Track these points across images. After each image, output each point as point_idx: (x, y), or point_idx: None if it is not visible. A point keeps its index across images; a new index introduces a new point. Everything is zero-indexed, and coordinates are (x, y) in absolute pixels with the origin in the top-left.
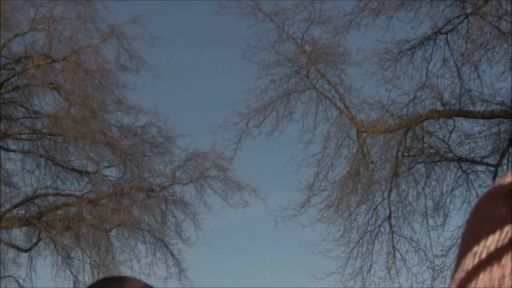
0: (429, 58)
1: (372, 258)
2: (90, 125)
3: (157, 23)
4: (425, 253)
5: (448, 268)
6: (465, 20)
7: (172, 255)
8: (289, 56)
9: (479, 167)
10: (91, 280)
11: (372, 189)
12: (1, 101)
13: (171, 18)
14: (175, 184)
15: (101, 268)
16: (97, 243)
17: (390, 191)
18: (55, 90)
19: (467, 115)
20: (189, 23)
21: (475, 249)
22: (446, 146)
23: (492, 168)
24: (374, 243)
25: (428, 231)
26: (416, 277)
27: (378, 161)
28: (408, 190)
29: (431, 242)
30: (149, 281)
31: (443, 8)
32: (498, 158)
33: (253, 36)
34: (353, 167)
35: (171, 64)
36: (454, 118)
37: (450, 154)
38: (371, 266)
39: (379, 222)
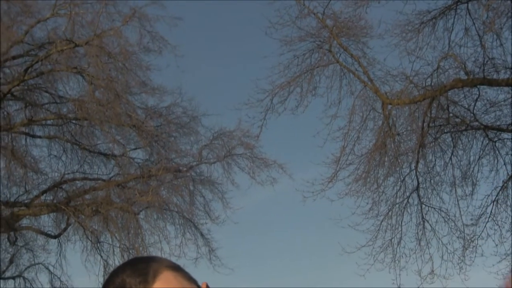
0: (451, 28)
1: (401, 230)
2: (115, 108)
3: (178, 3)
4: (454, 223)
5: (479, 237)
6: None
7: (202, 235)
8: (311, 31)
9: (505, 135)
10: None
11: (399, 160)
12: (26, 87)
13: None
14: (202, 163)
15: (131, 251)
16: (126, 226)
17: (417, 162)
18: (79, 74)
19: (491, 83)
20: (209, 3)
21: None
22: (472, 115)
23: None
24: (403, 215)
25: (457, 200)
26: (446, 248)
27: (404, 133)
28: (435, 160)
29: (460, 212)
30: (179, 262)
31: None
32: None
33: (274, 12)
34: (379, 139)
35: (193, 44)
36: (478, 86)
37: (476, 123)
38: (401, 238)
39: (408, 193)
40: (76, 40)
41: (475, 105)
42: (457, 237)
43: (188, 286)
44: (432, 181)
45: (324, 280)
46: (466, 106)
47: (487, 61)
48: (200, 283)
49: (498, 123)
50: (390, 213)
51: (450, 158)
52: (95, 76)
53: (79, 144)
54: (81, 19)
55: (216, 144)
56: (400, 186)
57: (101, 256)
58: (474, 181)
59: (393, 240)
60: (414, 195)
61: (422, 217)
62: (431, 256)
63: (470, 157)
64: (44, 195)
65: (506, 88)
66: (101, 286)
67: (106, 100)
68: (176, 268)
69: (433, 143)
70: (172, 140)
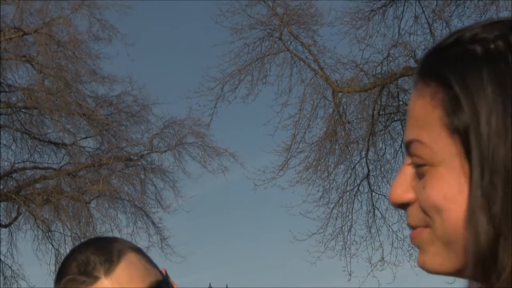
0: (401, 16)
1: (352, 217)
2: (65, 96)
3: None
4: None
5: None
6: None
7: (153, 223)
8: (261, 19)
9: None
10: None
11: (349, 148)
12: None
13: None
14: (153, 152)
15: (82, 240)
16: (77, 215)
17: (368, 150)
18: (28, 63)
19: None
20: None
21: None
22: None
23: None
24: (353, 203)
25: None
26: (396, 235)
27: (355, 121)
28: (385, 148)
29: None
30: None
31: None
32: None
33: (225, 0)
34: (330, 127)
35: (143, 32)
36: None
37: None
38: (351, 226)
39: (358, 181)
40: (24, 28)
41: None
42: (407, 224)
43: (151, 270)
44: (382, 168)
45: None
46: None
47: None
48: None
49: None
50: (340, 201)
51: (400, 146)
52: (45, 64)
53: (29, 133)
54: (30, 7)
55: (167, 132)
56: (351, 174)
57: (52, 245)
58: None
59: (343, 227)
60: (365, 182)
61: (373, 205)
62: (381, 244)
63: None
64: None
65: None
66: (53, 275)
67: (56, 89)
68: (139, 251)
69: (383, 131)
70: (122, 128)
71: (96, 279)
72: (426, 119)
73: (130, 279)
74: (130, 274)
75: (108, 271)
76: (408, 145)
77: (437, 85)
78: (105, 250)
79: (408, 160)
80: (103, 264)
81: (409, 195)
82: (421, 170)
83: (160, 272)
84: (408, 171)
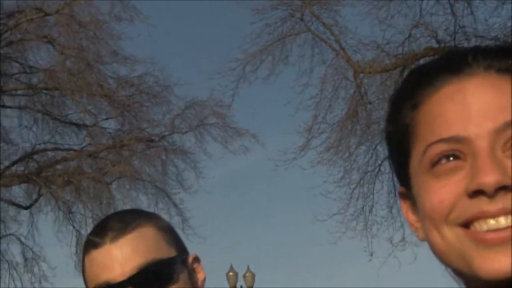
0: None
1: (373, 198)
2: (86, 77)
3: None
4: None
5: None
6: None
7: (175, 204)
8: None
9: None
10: None
11: (371, 129)
12: None
13: None
14: (175, 133)
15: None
16: (98, 197)
17: None
18: (49, 44)
19: None
20: None
21: None
22: None
23: None
24: (375, 183)
25: None
26: None
27: (376, 101)
28: None
29: None
30: None
31: None
32: None
33: None
34: (351, 108)
35: (165, 13)
36: None
37: None
38: (372, 206)
39: (379, 162)
40: (46, 9)
41: None
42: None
43: (164, 248)
44: None
45: (297, 247)
46: None
47: (458, 30)
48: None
49: None
50: (362, 181)
51: None
52: (66, 45)
53: (50, 114)
54: None
55: (188, 113)
56: (372, 155)
57: (73, 227)
58: None
59: (364, 208)
60: (386, 163)
61: (394, 185)
62: (402, 224)
63: None
64: (15, 165)
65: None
66: (74, 256)
67: (77, 69)
68: (164, 229)
69: None
70: (144, 109)
71: (102, 243)
72: None
73: (133, 250)
74: (135, 245)
75: (114, 238)
76: (511, 124)
77: None
78: (127, 220)
79: (498, 143)
80: (114, 231)
81: (509, 180)
82: None
83: (183, 254)
84: (498, 155)
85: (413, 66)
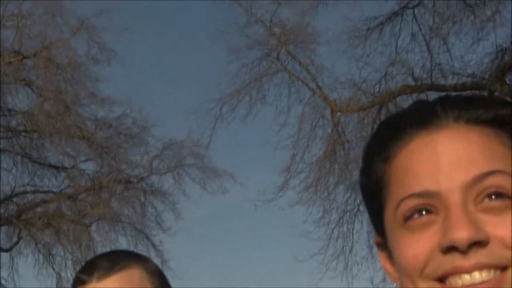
0: (398, 34)
1: (353, 237)
2: (65, 120)
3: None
4: None
5: None
6: None
7: (154, 246)
8: (259, 39)
9: None
10: (73, 276)
11: (349, 168)
12: None
13: (138, 7)
14: (153, 174)
15: (83, 264)
16: (78, 239)
17: None
18: (27, 86)
19: (439, 88)
20: (155, 10)
21: None
22: None
23: None
24: (354, 223)
25: None
26: None
27: (354, 140)
28: None
29: None
30: None
31: None
32: None
33: (222, 21)
34: (329, 147)
35: (141, 53)
36: (426, 92)
37: None
38: (352, 246)
39: (358, 201)
40: (24, 52)
41: None
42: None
43: None
44: None
45: None
46: None
47: (434, 67)
48: None
49: None
50: (341, 221)
51: None
52: (44, 88)
53: (29, 156)
54: (29, 31)
55: (166, 154)
56: (351, 194)
57: (54, 269)
58: None
59: (344, 248)
60: None
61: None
62: None
63: None
64: None
65: (453, 94)
66: None
67: (55, 112)
68: (151, 272)
69: None
70: (122, 151)
71: (89, 281)
72: (500, 155)
73: None
74: (120, 286)
75: (101, 277)
76: (482, 177)
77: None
78: (115, 260)
79: (470, 196)
80: (101, 270)
81: (482, 234)
82: (501, 204)
83: None
84: (470, 209)
85: (389, 105)
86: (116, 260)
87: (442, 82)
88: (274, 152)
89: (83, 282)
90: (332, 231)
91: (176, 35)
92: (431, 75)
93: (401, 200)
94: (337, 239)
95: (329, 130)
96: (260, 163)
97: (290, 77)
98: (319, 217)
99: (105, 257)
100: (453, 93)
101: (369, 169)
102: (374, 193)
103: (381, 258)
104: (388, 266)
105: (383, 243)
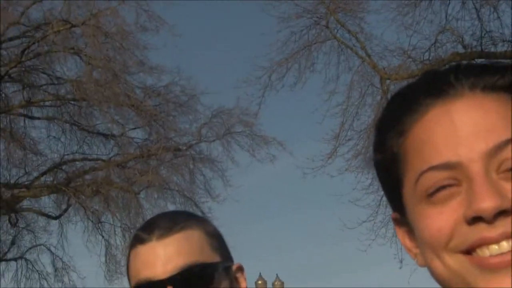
0: (448, 1)
1: None
2: (113, 88)
3: None
4: None
5: None
6: None
7: (203, 213)
8: (308, 7)
9: None
10: (122, 243)
11: None
12: (23, 69)
13: None
14: (202, 142)
15: (132, 231)
16: (127, 206)
17: None
18: (76, 55)
19: (489, 56)
20: None
21: None
22: None
23: None
24: None
25: None
26: None
27: None
28: None
29: None
30: None
31: None
32: None
33: None
34: (378, 114)
35: (190, 22)
36: (476, 60)
37: None
38: None
39: None
40: (72, 21)
41: None
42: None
43: (207, 253)
44: None
45: (326, 255)
46: None
47: (484, 34)
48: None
49: None
50: None
51: None
52: (93, 56)
53: (78, 124)
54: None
55: (215, 122)
56: None
57: (103, 236)
58: None
59: None
60: None
61: None
62: None
63: None
64: (44, 176)
65: (504, 61)
66: (103, 266)
67: (104, 80)
68: (210, 234)
69: None
70: (171, 119)
71: (148, 239)
72: None
73: (177, 250)
74: (179, 246)
75: (160, 236)
76: (503, 145)
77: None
78: (175, 220)
79: (491, 165)
80: (161, 229)
81: (507, 203)
82: None
83: (226, 262)
84: (493, 178)
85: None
86: (176, 220)
87: (492, 49)
88: (323, 120)
89: (142, 240)
90: (381, 198)
91: (225, 3)
92: (481, 42)
93: (421, 174)
94: (386, 206)
95: (378, 98)
96: (309, 131)
97: (339, 45)
98: (368, 184)
99: (166, 217)
100: (465, 62)
101: (384, 144)
102: (390, 169)
103: (399, 235)
104: (407, 242)
105: (401, 219)
